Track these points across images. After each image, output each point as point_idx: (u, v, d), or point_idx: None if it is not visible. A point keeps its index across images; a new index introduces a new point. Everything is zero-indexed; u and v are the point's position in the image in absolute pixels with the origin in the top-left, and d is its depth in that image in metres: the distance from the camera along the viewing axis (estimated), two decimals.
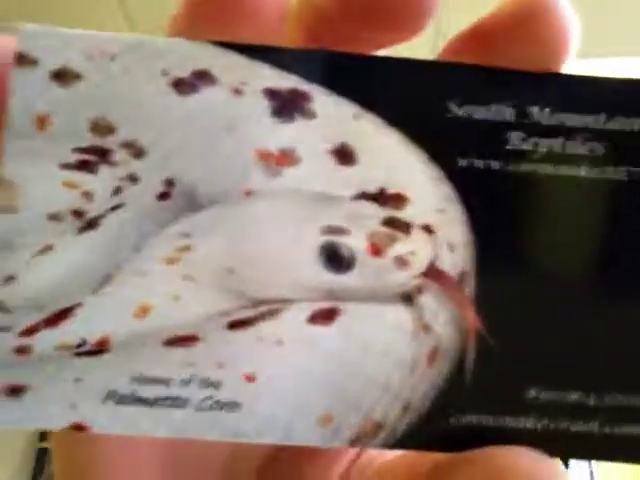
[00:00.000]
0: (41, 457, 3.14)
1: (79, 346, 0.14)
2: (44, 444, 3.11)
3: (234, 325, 0.14)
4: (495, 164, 0.15)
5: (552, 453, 0.14)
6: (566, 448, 0.14)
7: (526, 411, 0.14)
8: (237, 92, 0.15)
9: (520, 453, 0.13)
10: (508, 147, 0.15)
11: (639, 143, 0.15)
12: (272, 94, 0.15)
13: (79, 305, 0.14)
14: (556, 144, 0.15)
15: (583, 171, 0.15)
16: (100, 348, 0.14)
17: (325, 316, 0.14)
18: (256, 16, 0.14)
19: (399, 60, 0.15)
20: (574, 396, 0.14)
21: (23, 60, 0.14)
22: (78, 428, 0.14)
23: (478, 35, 0.15)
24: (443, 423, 0.14)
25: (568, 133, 0.15)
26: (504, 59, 0.14)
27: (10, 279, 0.14)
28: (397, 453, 0.18)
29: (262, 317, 0.14)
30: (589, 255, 0.15)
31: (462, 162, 0.15)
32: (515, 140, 0.15)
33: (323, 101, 0.15)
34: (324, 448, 0.18)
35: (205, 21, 0.14)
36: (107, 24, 1.34)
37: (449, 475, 0.14)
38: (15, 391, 0.14)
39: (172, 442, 0.18)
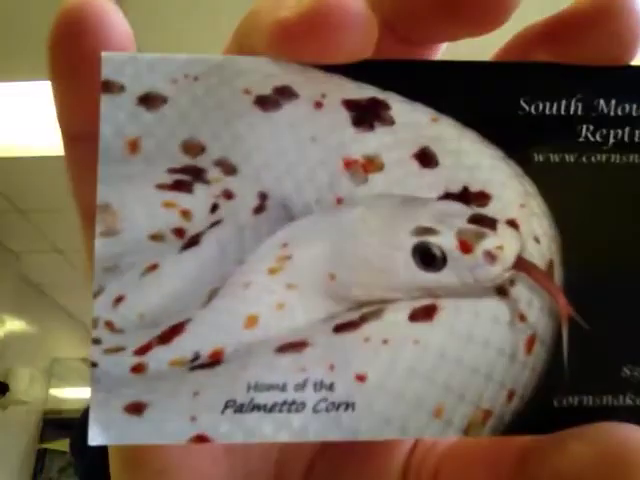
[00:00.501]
0: (41, 458, 3.12)
1: (193, 360, 0.15)
2: (44, 445, 3.08)
3: (340, 328, 0.15)
4: (569, 157, 0.15)
5: None
6: None
7: (623, 389, 0.15)
8: (318, 105, 0.16)
9: (628, 427, 0.14)
10: (580, 139, 0.16)
11: None
12: (351, 105, 0.16)
13: (189, 320, 0.15)
14: (624, 133, 0.16)
15: None
16: (214, 360, 0.15)
17: (425, 313, 0.15)
18: (348, 48, 0.14)
19: (469, 63, 0.16)
20: None
21: (109, 87, 0.15)
22: (200, 440, 0.14)
23: (553, 30, 0.15)
24: (547, 406, 0.15)
25: (635, 122, 0.16)
26: (579, 54, 0.15)
27: (119, 300, 0.15)
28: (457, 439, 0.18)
29: (366, 319, 0.15)
30: None
31: (538, 157, 0.15)
32: (585, 132, 0.16)
33: (400, 108, 0.16)
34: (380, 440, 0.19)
35: (297, 55, 0.15)
36: None
37: (556, 452, 0.14)
38: (135, 408, 0.14)
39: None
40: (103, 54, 0.15)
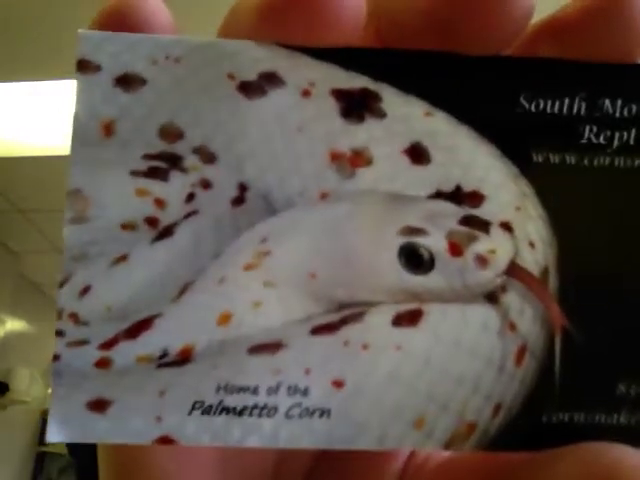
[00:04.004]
0: (40, 460, 3.12)
1: (161, 357, 0.14)
2: (43, 448, 3.09)
3: (318, 330, 0.14)
4: (570, 158, 0.15)
5: None
6: None
7: (618, 407, 0.14)
8: (306, 93, 0.15)
9: (620, 448, 0.13)
10: (582, 141, 0.15)
11: None
12: (341, 94, 0.15)
13: (159, 315, 0.14)
14: (630, 135, 0.15)
15: None
16: (183, 358, 0.14)
17: (410, 318, 0.14)
18: (337, 26, 0.14)
19: (467, 56, 0.15)
20: None
21: (85, 66, 0.14)
22: (165, 441, 0.13)
23: (556, 27, 0.15)
24: (535, 422, 0.14)
25: None
26: (585, 49, 0.14)
27: (85, 291, 0.14)
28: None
29: (346, 321, 0.14)
30: None
31: (537, 157, 0.15)
32: (589, 133, 0.15)
33: (393, 100, 0.15)
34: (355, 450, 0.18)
35: (284, 31, 0.14)
36: None
37: (543, 471, 0.13)
38: (99, 405, 0.13)
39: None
40: (79, 32, 0.14)
